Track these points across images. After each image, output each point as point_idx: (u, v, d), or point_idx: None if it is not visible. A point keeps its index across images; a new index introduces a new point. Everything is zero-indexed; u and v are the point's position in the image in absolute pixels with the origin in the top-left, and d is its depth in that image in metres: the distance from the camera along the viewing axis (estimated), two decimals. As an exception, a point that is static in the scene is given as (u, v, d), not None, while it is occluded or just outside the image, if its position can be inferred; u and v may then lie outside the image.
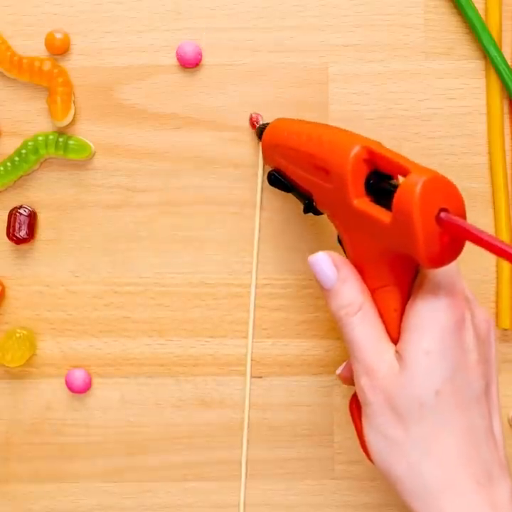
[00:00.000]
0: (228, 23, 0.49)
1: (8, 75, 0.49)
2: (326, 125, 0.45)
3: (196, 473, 0.50)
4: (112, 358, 0.50)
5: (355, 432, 0.43)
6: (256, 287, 0.50)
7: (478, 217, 0.49)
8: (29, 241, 0.49)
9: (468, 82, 0.49)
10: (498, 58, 0.48)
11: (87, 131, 0.50)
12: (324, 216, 0.44)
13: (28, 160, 0.48)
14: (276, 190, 0.48)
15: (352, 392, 0.42)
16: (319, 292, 0.48)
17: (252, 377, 0.50)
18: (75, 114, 0.49)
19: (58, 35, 0.49)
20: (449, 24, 0.49)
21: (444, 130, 0.49)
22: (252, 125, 0.49)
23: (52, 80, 0.48)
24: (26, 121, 0.50)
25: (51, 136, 0.48)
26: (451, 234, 0.35)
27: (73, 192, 0.50)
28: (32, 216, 0.49)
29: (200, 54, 0.49)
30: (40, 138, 0.48)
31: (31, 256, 0.50)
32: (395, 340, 0.39)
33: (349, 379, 0.43)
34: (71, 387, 0.49)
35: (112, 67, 0.49)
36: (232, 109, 0.49)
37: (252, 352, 0.50)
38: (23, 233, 0.49)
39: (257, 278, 0.50)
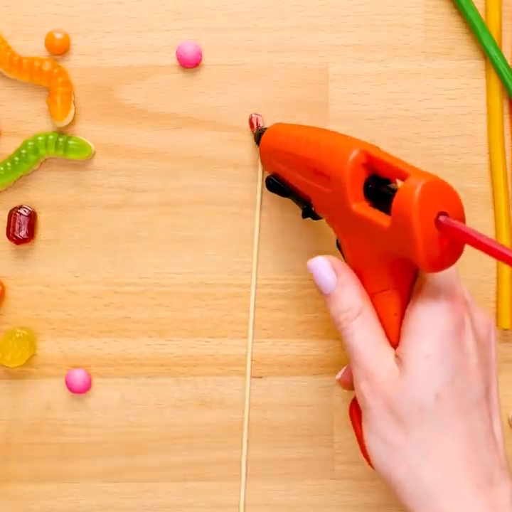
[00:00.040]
0: (228, 23, 0.49)
1: (8, 75, 0.49)
2: (324, 130, 0.45)
3: (196, 474, 0.50)
4: (112, 358, 0.50)
5: (353, 431, 0.43)
6: (256, 287, 0.50)
7: (478, 217, 0.49)
8: (29, 241, 0.49)
9: (468, 82, 0.49)
10: (498, 58, 0.48)
11: (87, 131, 0.49)
12: (323, 219, 0.44)
13: (28, 160, 0.48)
14: (276, 191, 0.48)
15: (352, 397, 0.42)
16: (319, 292, 0.48)
17: (252, 377, 0.50)
18: (75, 114, 0.49)
19: (58, 35, 0.49)
20: (449, 24, 0.49)
21: (444, 130, 0.49)
22: (252, 126, 0.49)
23: (52, 80, 0.48)
24: (26, 122, 0.50)
25: (51, 136, 0.48)
26: (451, 238, 0.35)
27: (73, 192, 0.50)
28: (32, 216, 0.49)
29: (200, 54, 0.49)
30: (40, 138, 0.48)
31: (31, 256, 0.50)
32: (395, 345, 0.39)
33: (349, 384, 0.43)
34: (71, 388, 0.49)
35: (112, 67, 0.49)
36: (232, 109, 0.49)
37: (252, 352, 0.50)
38: (23, 233, 0.49)
39: (257, 278, 0.50)
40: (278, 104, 0.49)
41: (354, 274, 0.40)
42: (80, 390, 0.49)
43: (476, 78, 0.49)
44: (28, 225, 0.49)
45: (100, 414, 0.50)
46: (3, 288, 0.50)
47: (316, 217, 0.44)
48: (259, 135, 0.48)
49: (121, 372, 0.50)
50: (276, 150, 0.45)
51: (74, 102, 0.49)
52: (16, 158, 0.49)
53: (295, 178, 0.43)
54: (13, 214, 0.49)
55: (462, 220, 0.36)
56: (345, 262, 0.41)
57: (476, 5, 0.49)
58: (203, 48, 0.49)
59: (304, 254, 0.49)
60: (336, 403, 0.50)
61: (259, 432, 0.50)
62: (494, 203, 0.49)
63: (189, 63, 0.49)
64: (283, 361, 0.50)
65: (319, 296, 0.49)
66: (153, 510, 0.50)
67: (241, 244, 0.50)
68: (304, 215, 0.44)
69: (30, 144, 0.48)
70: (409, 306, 0.39)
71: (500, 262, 0.49)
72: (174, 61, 0.49)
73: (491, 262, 0.49)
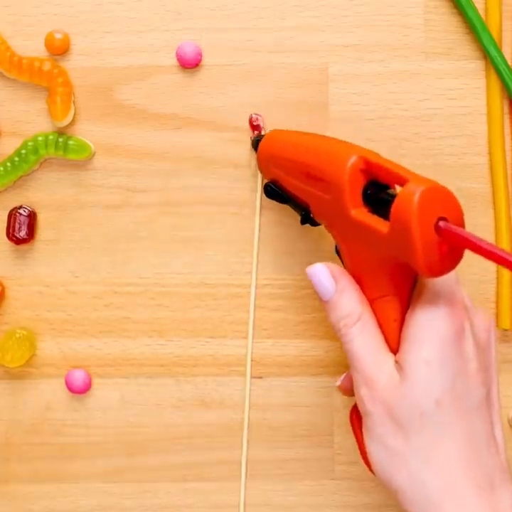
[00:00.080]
0: (228, 23, 0.49)
1: (7, 75, 0.49)
2: (323, 136, 0.45)
3: (196, 474, 0.50)
4: (112, 358, 0.50)
5: (355, 439, 0.43)
6: (256, 288, 0.49)
7: (478, 217, 0.49)
8: (29, 241, 0.49)
9: (468, 83, 0.49)
10: (499, 58, 0.48)
11: (87, 132, 0.49)
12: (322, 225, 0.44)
13: (28, 160, 0.48)
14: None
15: (352, 403, 0.42)
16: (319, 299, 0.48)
17: (251, 377, 0.50)
18: (74, 114, 0.49)
19: (58, 36, 0.49)
20: (449, 24, 0.49)
21: (444, 130, 0.49)
22: (252, 126, 0.49)
23: (52, 80, 0.48)
24: (26, 122, 0.50)
25: (51, 137, 0.48)
26: (450, 243, 0.35)
27: (73, 192, 0.50)
28: (32, 216, 0.49)
29: (200, 54, 0.49)
30: (39, 138, 0.48)
31: (31, 256, 0.50)
32: (395, 351, 0.39)
33: (349, 390, 0.43)
34: (71, 388, 0.49)
35: (112, 68, 0.49)
36: (232, 110, 0.49)
37: (252, 352, 0.50)
38: (22, 233, 0.49)
39: (256, 278, 0.50)
40: (278, 104, 0.49)
41: (353, 280, 0.40)
42: (79, 390, 0.49)
43: (476, 78, 0.49)
44: (28, 225, 0.49)
45: (100, 414, 0.50)
46: (3, 288, 0.49)
47: (314, 223, 0.44)
48: (256, 142, 0.48)
49: (121, 373, 0.50)
50: (275, 156, 0.45)
51: (74, 102, 0.49)
52: (16, 159, 0.49)
53: (293, 185, 0.43)
54: (13, 214, 0.49)
55: (462, 225, 0.35)
56: (344, 267, 0.41)
57: (476, 5, 0.49)
58: (203, 48, 0.49)
59: (303, 255, 0.49)
60: (336, 403, 0.50)
61: (259, 432, 0.50)
62: (494, 203, 0.49)
63: (189, 63, 0.49)
64: (283, 361, 0.50)
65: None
66: (153, 511, 0.50)
67: (241, 244, 0.50)
68: (303, 222, 0.44)
69: (30, 144, 0.48)
70: (408, 312, 0.38)
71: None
72: (174, 61, 0.49)
73: (491, 262, 0.49)
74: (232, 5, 0.49)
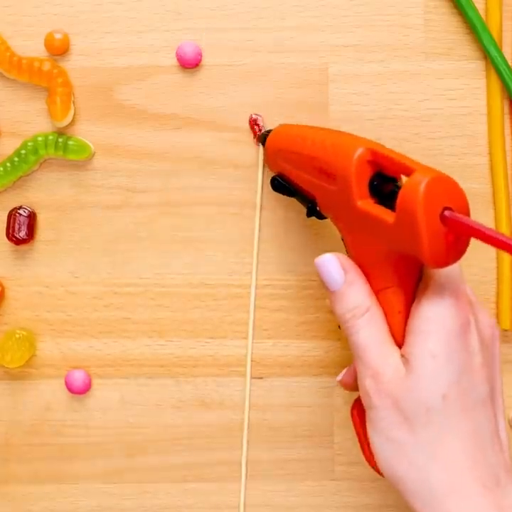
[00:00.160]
0: (228, 23, 0.49)
1: (7, 76, 0.49)
2: (330, 129, 0.45)
3: (196, 474, 0.50)
4: (112, 358, 0.50)
5: (355, 433, 0.43)
6: (256, 288, 0.49)
7: (479, 217, 0.49)
8: (29, 242, 0.49)
9: (468, 83, 0.49)
10: (499, 58, 0.48)
11: (87, 132, 0.49)
12: (324, 220, 0.44)
13: (28, 160, 0.48)
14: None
15: (353, 399, 0.42)
16: (320, 293, 0.48)
17: (252, 378, 0.50)
18: (74, 114, 0.49)
19: (58, 36, 0.49)
20: (449, 24, 0.49)
21: (444, 131, 0.49)
22: (252, 126, 0.49)
23: (52, 80, 0.48)
24: (26, 122, 0.49)
25: (51, 137, 0.48)
26: (456, 232, 0.35)
27: (73, 192, 0.50)
28: (31, 217, 0.49)
29: (200, 54, 0.49)
30: (39, 138, 0.48)
31: (31, 257, 0.50)
32: (399, 344, 0.39)
33: (350, 384, 0.43)
34: (71, 388, 0.49)
35: (112, 68, 0.49)
36: (232, 110, 0.49)
37: (252, 353, 0.49)
38: (22, 234, 0.49)
39: (257, 279, 0.49)
40: (278, 105, 0.49)
41: (361, 273, 0.40)
42: (79, 390, 0.49)
43: (476, 78, 0.49)
44: (28, 225, 0.49)
45: (100, 414, 0.50)
46: (3, 288, 0.49)
47: (320, 216, 0.44)
48: (264, 136, 0.48)
49: (121, 373, 0.50)
50: (282, 150, 0.45)
51: (73, 102, 0.49)
52: (16, 159, 0.48)
53: (300, 177, 0.44)
54: (12, 215, 0.49)
55: (467, 214, 0.36)
56: None
57: (477, 5, 0.49)
58: (203, 48, 0.49)
59: (304, 255, 0.49)
60: (337, 404, 0.50)
61: (260, 432, 0.50)
62: (494, 204, 0.49)
63: (189, 63, 0.49)
64: (283, 362, 0.50)
65: (320, 296, 0.49)
66: (153, 511, 0.50)
67: (241, 244, 0.50)
68: (309, 214, 0.44)
69: (29, 144, 0.48)
70: (414, 305, 0.39)
71: (500, 263, 0.49)
72: (174, 61, 0.49)
73: (491, 262, 0.49)
74: (232, 5, 0.49)
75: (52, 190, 0.50)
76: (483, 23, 0.48)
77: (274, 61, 0.49)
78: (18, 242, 0.49)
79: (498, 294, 0.49)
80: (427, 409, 0.37)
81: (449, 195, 0.35)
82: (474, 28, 0.48)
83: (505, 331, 0.49)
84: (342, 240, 0.42)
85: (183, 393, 0.50)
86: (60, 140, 0.48)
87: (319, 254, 0.48)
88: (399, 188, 0.36)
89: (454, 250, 0.36)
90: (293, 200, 0.46)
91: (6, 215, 0.49)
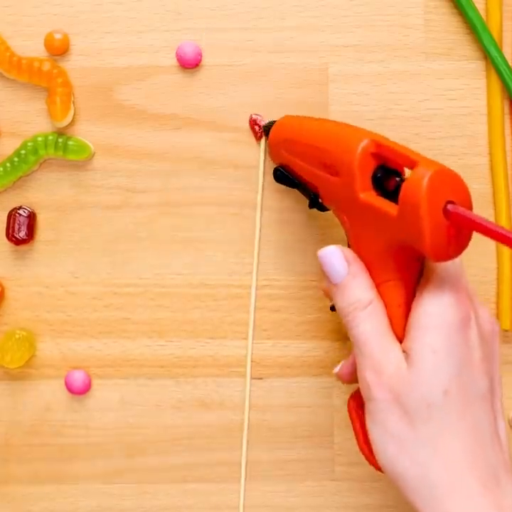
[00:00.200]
0: (228, 23, 0.49)
1: (7, 76, 0.49)
2: (334, 121, 0.45)
3: (196, 475, 0.50)
4: (112, 359, 0.50)
5: (353, 429, 0.43)
6: (256, 288, 0.49)
7: (479, 218, 0.49)
8: (28, 242, 0.49)
9: (468, 83, 0.49)
10: (499, 59, 0.48)
11: (87, 132, 0.49)
12: (326, 217, 0.44)
13: (28, 161, 0.48)
14: (277, 190, 0.48)
15: (350, 394, 0.42)
16: (320, 293, 0.48)
17: (252, 378, 0.50)
18: (74, 114, 0.49)
19: (58, 36, 0.49)
20: (450, 24, 0.49)
21: (445, 131, 0.49)
22: (252, 127, 0.49)
23: (52, 80, 0.48)
24: (25, 122, 0.49)
25: (50, 137, 0.48)
26: (459, 225, 0.35)
27: (73, 193, 0.50)
28: (31, 217, 0.49)
29: (200, 54, 0.49)
30: (39, 138, 0.48)
31: (31, 257, 0.50)
32: (399, 338, 0.39)
33: (347, 375, 0.43)
34: (70, 389, 0.49)
35: (112, 68, 0.49)
36: (232, 110, 0.49)
37: (252, 353, 0.49)
38: (22, 234, 0.49)
39: (257, 279, 0.49)
40: (278, 105, 0.49)
41: (364, 266, 0.40)
42: (79, 391, 0.49)
43: (476, 79, 0.49)
44: (28, 225, 0.49)
45: (100, 415, 0.50)
46: (3, 289, 0.49)
47: (322, 208, 0.44)
48: (267, 128, 0.48)
49: (121, 374, 0.50)
50: (286, 140, 0.45)
51: (73, 102, 0.49)
52: (16, 159, 0.48)
53: (303, 169, 0.44)
54: (12, 215, 0.49)
55: (470, 208, 0.36)
56: None
57: (477, 5, 0.49)
58: (203, 49, 0.49)
59: (304, 255, 0.49)
60: (337, 404, 0.50)
61: (259, 433, 0.50)
62: (495, 204, 0.49)
63: (189, 64, 0.49)
64: (283, 362, 0.50)
65: (320, 297, 0.49)
66: (152, 512, 0.50)
67: (241, 245, 0.50)
68: (311, 206, 0.44)
69: (29, 144, 0.48)
70: (415, 300, 0.38)
71: (500, 263, 0.49)
72: (174, 61, 0.49)
73: (491, 262, 0.49)
74: (232, 5, 0.49)
75: (52, 190, 0.50)
76: (484, 23, 0.48)
77: (274, 61, 0.49)
78: (18, 242, 0.49)
79: (498, 295, 0.49)
80: (428, 405, 0.37)
81: (452, 189, 0.35)
82: (474, 28, 0.48)
83: (506, 331, 0.49)
84: (345, 232, 0.42)
85: (183, 394, 0.50)
86: (60, 140, 0.48)
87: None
88: (402, 180, 0.36)
89: (456, 244, 0.36)
90: (293, 200, 0.46)
91: (6, 215, 0.49)
